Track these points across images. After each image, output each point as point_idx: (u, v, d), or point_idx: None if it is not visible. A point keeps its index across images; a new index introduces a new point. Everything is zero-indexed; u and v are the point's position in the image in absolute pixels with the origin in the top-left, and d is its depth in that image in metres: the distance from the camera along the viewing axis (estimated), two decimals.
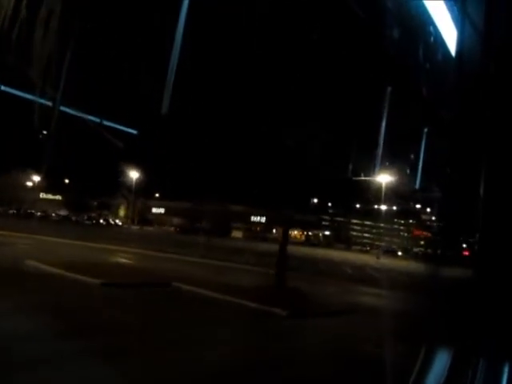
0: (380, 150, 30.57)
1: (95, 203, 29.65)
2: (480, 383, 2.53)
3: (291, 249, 13.82)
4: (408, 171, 35.41)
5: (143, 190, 35.34)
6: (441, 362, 2.76)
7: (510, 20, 3.98)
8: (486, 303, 3.01)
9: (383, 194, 37.93)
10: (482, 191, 3.30)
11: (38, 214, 53.29)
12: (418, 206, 56.33)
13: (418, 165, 33.26)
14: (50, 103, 11.26)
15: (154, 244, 24.75)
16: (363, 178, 37.50)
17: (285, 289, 11.42)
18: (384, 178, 36.12)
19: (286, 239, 13.02)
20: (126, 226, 55.82)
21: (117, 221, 59.63)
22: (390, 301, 13.49)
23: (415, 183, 40.66)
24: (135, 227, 52.49)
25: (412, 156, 32.03)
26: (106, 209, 51.79)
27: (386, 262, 33.75)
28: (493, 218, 3.27)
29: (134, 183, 33.20)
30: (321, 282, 16.82)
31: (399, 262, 21.74)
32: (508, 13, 4.00)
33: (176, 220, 55.82)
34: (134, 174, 33.08)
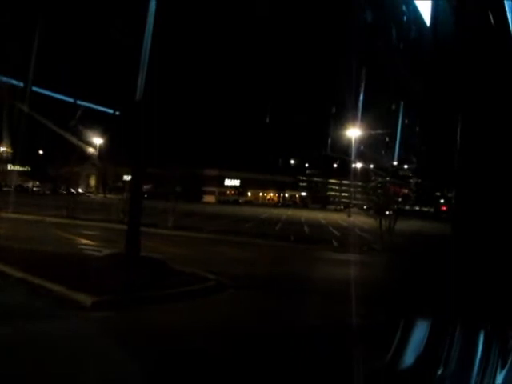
0: (357, 123, 37.78)
1: (63, 173, 33.83)
2: (457, 350, 2.89)
3: (244, 210, 16.33)
4: (386, 139, 43.13)
5: (113, 158, 39.98)
6: (420, 332, 3.35)
7: None
8: (463, 262, 3.54)
9: (354, 149, 45.26)
10: (458, 146, 4.08)
11: None
12: (395, 162, 65.08)
13: (395, 137, 40.57)
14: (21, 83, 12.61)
15: (89, 212, 25.18)
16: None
17: (136, 258, 9.77)
18: (354, 133, 38.92)
19: (138, 191, 10.86)
20: (88, 194, 61.79)
21: (79, 190, 65.11)
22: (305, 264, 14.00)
23: (393, 155, 49.29)
24: (100, 195, 58.48)
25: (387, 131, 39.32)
26: (75, 178, 56.79)
27: (354, 219, 38.32)
28: (469, 172, 3.93)
29: (97, 149, 38.52)
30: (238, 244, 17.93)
31: (368, 220, 22.95)
32: None
33: (144, 186, 61.72)
34: (97, 141, 37.66)
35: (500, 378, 2.86)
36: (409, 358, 3.44)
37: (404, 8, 9.57)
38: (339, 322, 7.54)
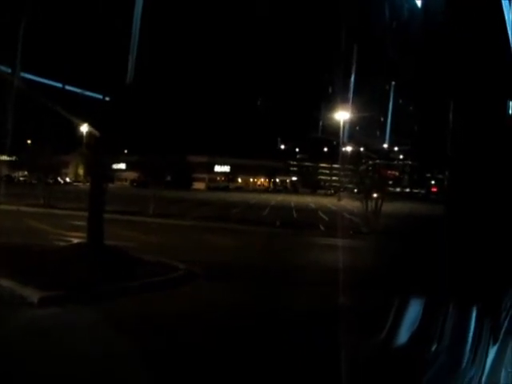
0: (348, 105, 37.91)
1: (52, 162, 33.72)
2: (450, 327, 2.97)
3: (233, 196, 16.62)
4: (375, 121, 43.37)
5: (102, 147, 39.54)
6: (413, 310, 3.44)
7: None
8: (456, 243, 3.57)
9: (342, 131, 45.29)
10: (450, 127, 4.12)
11: None
12: (385, 145, 65.37)
13: (386, 119, 40.94)
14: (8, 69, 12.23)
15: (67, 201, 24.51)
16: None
17: (99, 249, 9.39)
18: (343, 115, 39.08)
19: (98, 178, 10.45)
20: (76, 183, 61.49)
21: (67, 179, 64.81)
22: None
23: (384, 137, 49.48)
24: (88, 184, 58.09)
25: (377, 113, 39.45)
26: (64, 167, 56.75)
27: (344, 203, 38.25)
28: (462, 154, 3.95)
29: (84, 138, 38.19)
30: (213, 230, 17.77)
31: (358, 204, 22.45)
32: None
33: (132, 174, 62.01)
34: (84, 128, 37.45)
35: (492, 352, 2.94)
36: (402, 337, 3.50)
37: None
38: (325, 310, 7.35)
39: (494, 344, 3.00)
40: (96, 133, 10.84)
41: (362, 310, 6.89)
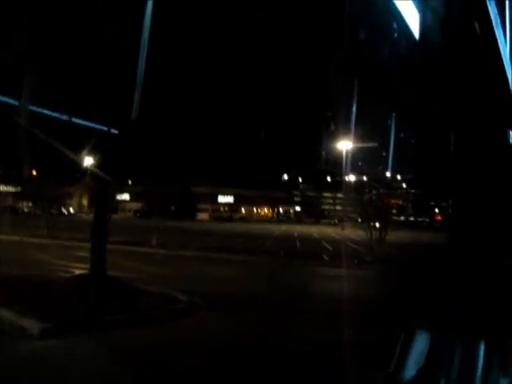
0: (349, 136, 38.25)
1: (57, 193, 34.02)
2: (458, 362, 2.89)
3: (237, 226, 16.24)
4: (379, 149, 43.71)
5: (105, 177, 39.64)
6: (420, 345, 3.26)
7: (467, 6, 4.80)
8: (461, 272, 3.78)
9: (344, 161, 45.42)
10: (452, 156, 4.35)
11: None
12: (388, 174, 65.40)
13: (388, 149, 41.12)
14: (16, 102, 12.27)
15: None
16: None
17: (102, 280, 9.39)
18: (345, 145, 39.33)
19: (102, 210, 10.43)
20: (80, 214, 61.71)
21: (70, 210, 65.13)
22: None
23: (387, 167, 49.68)
24: (90, 215, 58.25)
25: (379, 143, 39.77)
26: (68, 198, 57.16)
27: (348, 233, 37.66)
28: (465, 182, 4.06)
29: (88, 169, 38.13)
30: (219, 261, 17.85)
31: (362, 233, 22.54)
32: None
33: (136, 205, 62.28)
34: (88, 160, 37.42)
35: None
36: (410, 371, 3.37)
37: (395, 25, 9.74)
38: (330, 340, 7.15)
39: (504, 379, 2.94)
40: (99, 173, 10.88)
41: (368, 341, 6.74)
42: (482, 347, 3.01)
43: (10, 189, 52.66)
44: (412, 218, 73.73)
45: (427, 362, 3.03)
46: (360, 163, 50.64)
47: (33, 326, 6.85)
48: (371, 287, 13.56)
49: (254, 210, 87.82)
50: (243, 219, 78.21)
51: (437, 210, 70.86)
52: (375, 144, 47.77)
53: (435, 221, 64.82)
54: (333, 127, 35.65)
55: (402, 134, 35.32)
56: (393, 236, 21.92)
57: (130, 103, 11.92)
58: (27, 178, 35.18)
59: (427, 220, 72.02)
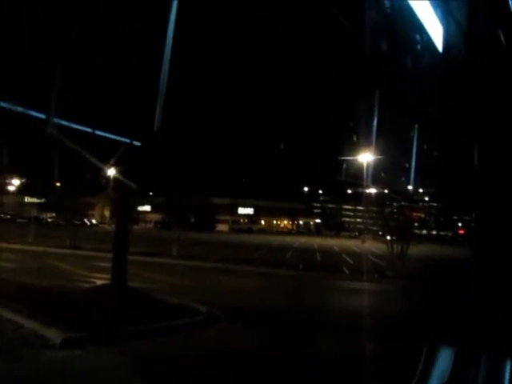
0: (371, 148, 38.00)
1: (79, 204, 34.51)
2: (483, 379, 2.82)
3: (256, 238, 16.01)
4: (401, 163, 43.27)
5: (128, 189, 39.97)
6: (444, 360, 3.16)
7: (492, 18, 4.75)
8: (485, 287, 3.53)
9: (365, 173, 45.02)
10: (476, 170, 4.18)
11: (8, 216, 60.18)
12: (410, 187, 64.65)
13: (410, 161, 38.46)
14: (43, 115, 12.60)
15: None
16: (348, 158, 44.72)
17: (122, 291, 9.41)
18: (366, 157, 39.16)
19: (124, 221, 10.48)
20: (102, 225, 62.61)
21: (93, 221, 66.14)
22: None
23: (409, 180, 49.08)
24: (114, 226, 59.11)
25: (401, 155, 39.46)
26: (91, 209, 58.29)
27: (368, 246, 37.91)
28: (489, 196, 3.95)
29: (111, 180, 38.39)
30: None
31: (383, 246, 21.59)
32: (489, 10, 4.80)
33: (157, 216, 62.86)
34: (111, 171, 37.62)
35: None
36: None
37: (418, 37, 9.82)
38: (351, 355, 7.04)
39: None
40: (122, 179, 11.05)
41: (389, 356, 6.65)
42: (508, 364, 2.91)
43: (35, 200, 53.90)
44: (434, 232, 72.61)
45: (451, 379, 2.96)
46: (382, 174, 50.01)
47: (55, 336, 6.90)
48: (392, 302, 13.38)
49: (274, 221, 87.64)
50: (263, 231, 78.12)
51: (460, 224, 69.70)
52: (397, 156, 47.06)
53: (458, 235, 63.80)
54: (355, 138, 35.47)
55: (425, 146, 34.86)
56: (415, 250, 21.55)
57: (152, 115, 12.10)
58: (51, 190, 35.84)
59: (450, 234, 70.89)
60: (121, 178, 11.50)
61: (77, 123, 13.89)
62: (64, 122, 13.60)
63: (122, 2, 10.97)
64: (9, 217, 59.12)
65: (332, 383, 5.80)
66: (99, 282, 11.34)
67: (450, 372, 3.02)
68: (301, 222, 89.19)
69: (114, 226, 13.08)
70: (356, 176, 48.78)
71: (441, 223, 76.11)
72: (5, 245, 21.78)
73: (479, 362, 2.99)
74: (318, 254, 30.59)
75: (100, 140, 14.20)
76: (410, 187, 63.29)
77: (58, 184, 37.90)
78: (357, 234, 72.30)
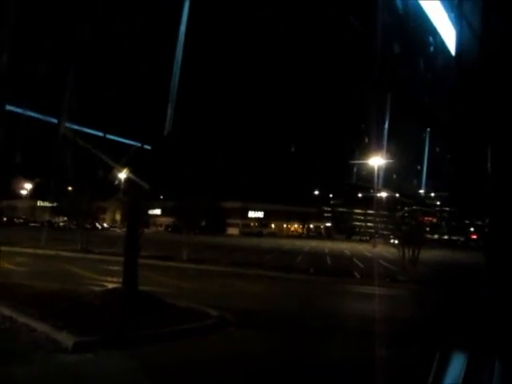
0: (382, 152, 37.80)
1: (91, 208, 34.81)
2: None
3: (267, 241, 15.42)
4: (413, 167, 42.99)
5: (139, 192, 40.23)
6: (457, 365, 3.06)
7: (506, 21, 4.46)
8: (499, 293, 3.46)
9: (377, 177, 44.62)
10: (489, 174, 4.01)
11: (21, 220, 61.32)
12: (422, 191, 64.15)
13: (422, 165, 38.42)
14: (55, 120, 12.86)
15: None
16: (359, 162, 44.58)
17: (133, 295, 9.44)
18: (377, 161, 38.92)
19: (135, 224, 10.57)
20: (113, 228, 63.17)
21: (104, 224, 66.84)
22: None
23: (420, 183, 48.73)
24: (124, 230, 59.65)
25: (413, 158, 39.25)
26: (102, 213, 58.93)
27: (379, 250, 38.01)
28: (502, 201, 3.82)
29: (121, 183, 38.60)
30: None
31: (394, 251, 21.77)
32: (504, 14, 4.51)
33: (168, 220, 63.30)
34: (121, 175, 37.84)
35: None
36: None
37: (431, 39, 9.71)
38: (363, 360, 6.97)
39: None
40: (134, 179, 11.15)
41: (401, 361, 6.61)
42: None
43: (47, 204, 54.57)
44: (446, 237, 72.03)
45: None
46: (392, 179, 49.77)
47: (67, 339, 6.94)
48: (404, 306, 13.29)
49: (284, 225, 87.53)
50: (273, 234, 78.10)
51: (472, 229, 69.06)
52: (409, 160, 46.78)
53: (470, 240, 63.22)
54: (366, 140, 35.31)
55: (437, 149, 34.62)
56: (426, 254, 21.41)
57: (163, 119, 12.16)
58: (63, 194, 36.25)
59: (462, 239, 70.28)
60: (133, 178, 11.55)
61: (88, 127, 14.01)
62: (75, 126, 13.68)
63: (133, 8, 11.06)
64: (22, 221, 60.07)
65: None
66: (110, 286, 11.46)
67: (463, 377, 2.96)
68: (311, 226, 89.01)
69: (124, 229, 13.21)
70: (367, 180, 48.41)
71: (453, 228, 75.49)
72: (18, 249, 22.01)
73: (493, 367, 2.94)
74: (328, 258, 30.53)
75: (111, 144, 14.31)
76: (421, 191, 62.73)
77: (70, 188, 38.32)
78: (367, 237, 71.94)
